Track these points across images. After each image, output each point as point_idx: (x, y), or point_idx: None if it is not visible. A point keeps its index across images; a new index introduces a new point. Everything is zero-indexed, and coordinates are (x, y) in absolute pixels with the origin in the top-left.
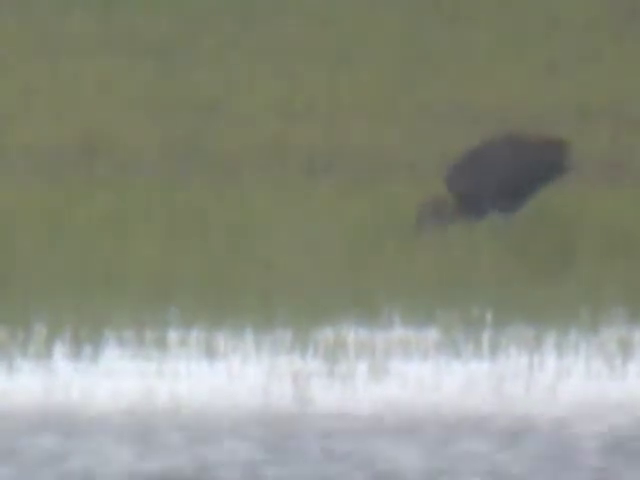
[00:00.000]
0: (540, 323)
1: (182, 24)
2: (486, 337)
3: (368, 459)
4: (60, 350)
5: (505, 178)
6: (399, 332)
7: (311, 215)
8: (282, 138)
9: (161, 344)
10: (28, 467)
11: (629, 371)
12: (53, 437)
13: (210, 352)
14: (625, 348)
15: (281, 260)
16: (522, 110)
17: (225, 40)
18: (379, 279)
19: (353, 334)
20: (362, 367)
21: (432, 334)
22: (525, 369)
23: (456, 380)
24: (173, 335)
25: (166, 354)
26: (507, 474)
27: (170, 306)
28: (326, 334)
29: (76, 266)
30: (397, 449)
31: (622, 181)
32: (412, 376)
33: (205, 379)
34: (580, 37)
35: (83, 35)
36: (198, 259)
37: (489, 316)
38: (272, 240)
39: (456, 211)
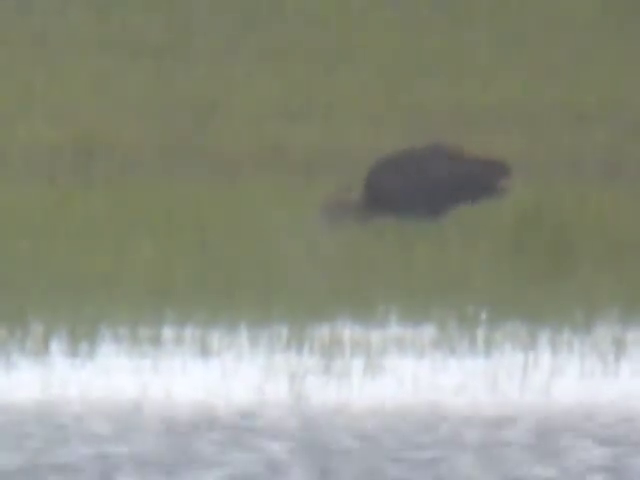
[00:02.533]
0: (535, 321)
1: (180, 24)
2: (481, 334)
3: (365, 455)
4: (57, 347)
5: (429, 185)
6: (395, 329)
7: (309, 214)
8: (281, 138)
9: (156, 341)
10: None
11: (622, 369)
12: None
13: (205, 349)
14: (618, 347)
15: (279, 259)
16: (521, 111)
17: (224, 40)
18: (375, 277)
19: (349, 331)
20: (358, 364)
21: (428, 331)
22: (519, 366)
23: (451, 377)
24: (168, 332)
25: (161, 351)
26: (505, 470)
27: (165, 303)
28: (322, 331)
29: (73, 265)
30: (394, 446)
31: (619, 182)
32: (408, 373)
33: (200, 376)
34: (578, 38)
35: (81, 35)
36: (194, 258)
37: (484, 314)
38: (270, 239)
39: (364, 207)
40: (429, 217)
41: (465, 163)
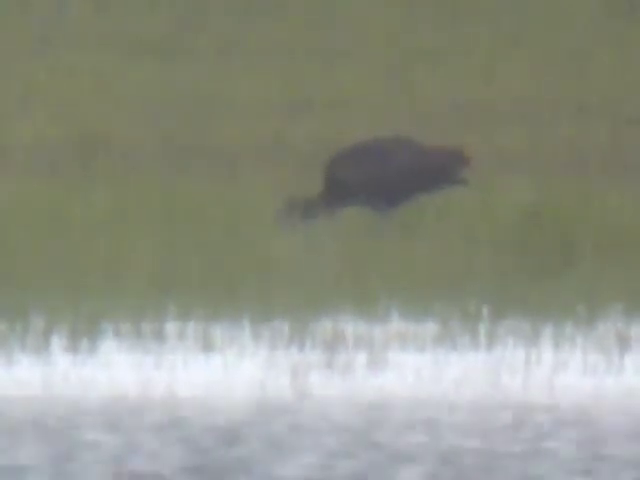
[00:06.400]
0: (537, 316)
1: (181, 20)
2: (483, 330)
3: (367, 451)
4: (58, 343)
5: (387, 175)
6: (397, 325)
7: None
8: (281, 134)
9: (158, 336)
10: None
11: (626, 365)
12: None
13: (207, 345)
14: (622, 342)
15: (280, 254)
16: (522, 107)
17: (224, 36)
18: (378, 272)
19: (351, 326)
20: (360, 359)
21: (430, 327)
22: (522, 362)
23: (453, 372)
24: (170, 327)
25: (163, 346)
26: (504, 465)
27: (167, 299)
28: (324, 327)
29: (74, 260)
30: (396, 441)
31: (620, 177)
32: (410, 368)
33: (202, 372)
34: (579, 35)
35: (82, 32)
36: (196, 253)
37: (486, 309)
38: (271, 234)
39: (323, 201)
40: (389, 208)
41: (424, 153)
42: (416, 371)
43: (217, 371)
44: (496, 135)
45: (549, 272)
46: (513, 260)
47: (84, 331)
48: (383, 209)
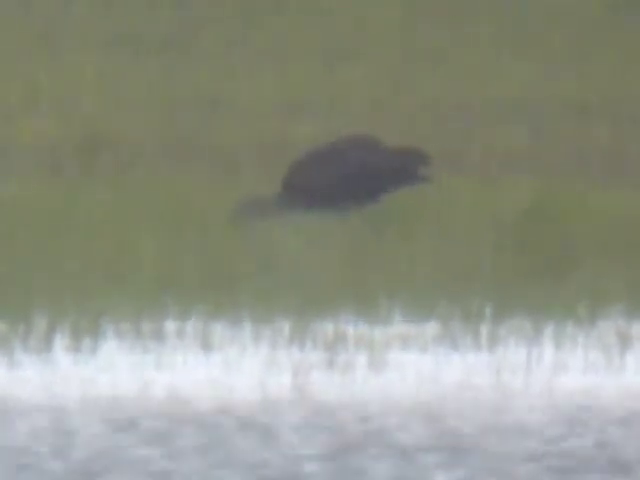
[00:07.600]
0: (538, 316)
1: (183, 20)
2: (484, 330)
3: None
4: (60, 343)
5: (345, 176)
6: (398, 325)
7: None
8: (282, 135)
9: (159, 336)
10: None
11: (627, 364)
12: (52, 429)
13: (208, 344)
14: (623, 341)
15: (281, 254)
16: (522, 107)
17: (226, 36)
18: (379, 273)
19: (352, 327)
20: (361, 360)
21: (431, 327)
22: (523, 362)
23: (454, 372)
24: (171, 327)
25: (164, 346)
26: (507, 466)
27: (168, 298)
28: (325, 327)
29: (75, 260)
30: (397, 440)
31: (621, 176)
32: (411, 368)
33: (203, 371)
34: (580, 34)
35: (84, 32)
36: (196, 252)
37: (487, 309)
38: (272, 234)
39: (283, 204)
40: (350, 209)
41: (384, 153)
42: (417, 371)
43: (217, 370)
44: (496, 135)
45: (550, 272)
46: (514, 260)
47: (85, 331)
48: (344, 211)
